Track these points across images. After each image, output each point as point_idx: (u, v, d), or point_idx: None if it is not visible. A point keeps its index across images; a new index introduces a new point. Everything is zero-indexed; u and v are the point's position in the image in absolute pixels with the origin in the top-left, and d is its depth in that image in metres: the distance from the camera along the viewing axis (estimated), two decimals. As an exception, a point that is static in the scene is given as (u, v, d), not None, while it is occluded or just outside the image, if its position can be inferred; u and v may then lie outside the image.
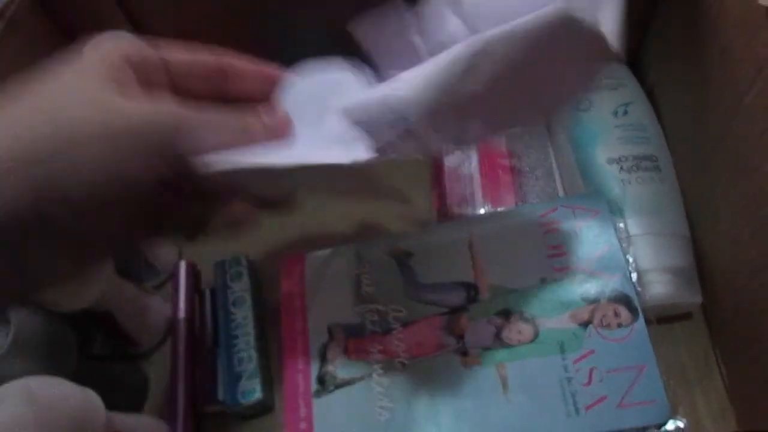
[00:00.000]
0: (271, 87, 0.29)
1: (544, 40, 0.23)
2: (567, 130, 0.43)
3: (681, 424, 0.34)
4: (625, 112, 0.41)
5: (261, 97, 0.28)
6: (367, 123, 0.25)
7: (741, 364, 0.36)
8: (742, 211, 0.32)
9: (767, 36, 0.28)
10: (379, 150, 0.25)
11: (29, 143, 0.21)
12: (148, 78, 0.25)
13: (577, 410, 0.34)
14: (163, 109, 0.23)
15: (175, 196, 0.25)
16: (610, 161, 0.40)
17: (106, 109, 0.22)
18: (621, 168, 0.39)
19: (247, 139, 0.26)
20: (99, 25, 0.41)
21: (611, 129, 0.41)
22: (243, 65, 0.27)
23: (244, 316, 0.38)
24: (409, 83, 0.23)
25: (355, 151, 0.25)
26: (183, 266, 0.41)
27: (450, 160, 0.45)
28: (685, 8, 0.36)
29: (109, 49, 0.24)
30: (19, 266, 0.23)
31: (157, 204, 0.25)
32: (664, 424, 0.34)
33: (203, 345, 0.39)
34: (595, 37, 0.24)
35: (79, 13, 0.42)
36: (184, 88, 0.26)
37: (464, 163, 0.44)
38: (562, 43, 0.24)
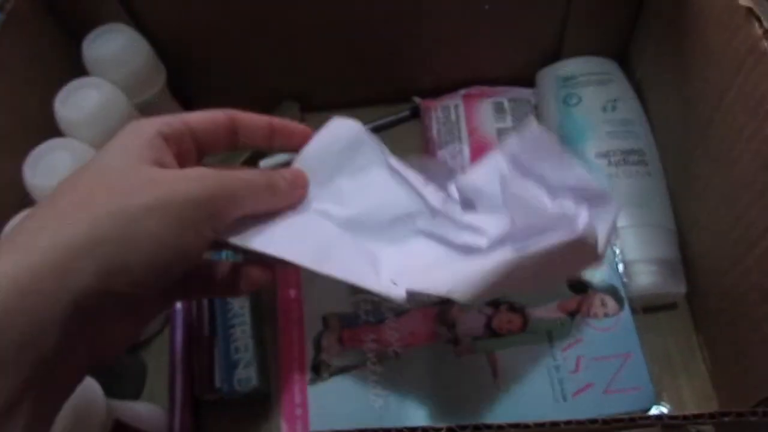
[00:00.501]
0: (275, 137, 0.31)
1: (562, 252, 0.28)
2: (557, 126, 0.44)
3: (665, 410, 0.35)
4: (614, 108, 0.42)
5: (267, 147, 0.31)
6: (416, 296, 0.28)
7: (723, 352, 0.37)
8: (722, 202, 0.33)
9: (747, 34, 0.29)
10: (410, 301, 0.28)
11: (91, 227, 0.22)
12: (180, 146, 0.27)
13: (564, 397, 0.35)
14: (207, 177, 0.25)
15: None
16: (599, 155, 0.41)
17: (155, 185, 0.24)
18: (609, 162, 0.40)
19: (275, 197, 0.29)
20: (98, 17, 0.42)
21: (600, 124, 0.42)
22: (249, 117, 0.30)
23: (240, 306, 0.39)
24: (463, 288, 0.27)
25: (390, 289, 0.28)
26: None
27: (442, 153, 0.46)
28: (671, 7, 0.37)
29: (146, 129, 0.26)
30: (90, 341, 0.24)
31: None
32: (649, 410, 0.35)
33: (201, 334, 0.39)
34: (593, 249, 0.29)
35: (79, 6, 0.42)
36: (204, 146, 0.28)
37: (456, 156, 0.45)
38: (573, 254, 0.29)
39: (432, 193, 0.32)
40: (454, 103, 0.47)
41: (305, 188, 0.31)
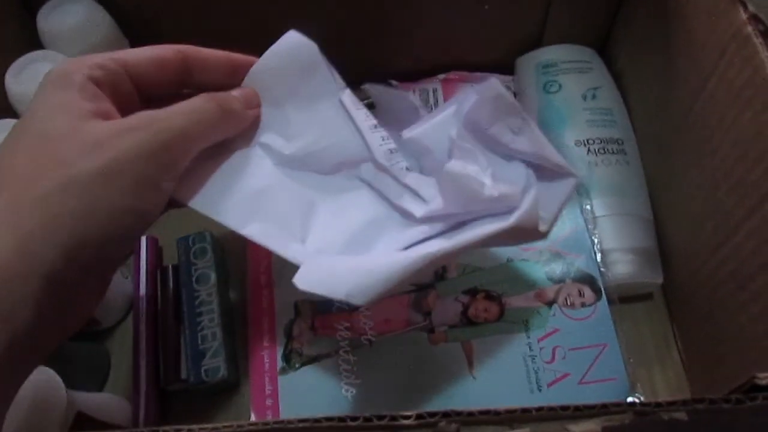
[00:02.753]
0: (237, 74, 0.28)
1: (495, 237, 0.26)
2: (537, 112, 0.43)
3: (643, 401, 0.35)
4: (594, 96, 0.42)
5: (228, 85, 0.28)
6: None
7: (698, 342, 0.37)
8: (699, 192, 0.33)
9: (730, 21, 0.28)
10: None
11: (46, 205, 0.21)
12: (117, 90, 0.24)
13: (539, 387, 0.35)
14: (154, 123, 0.23)
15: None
16: (578, 143, 0.40)
17: (101, 146, 0.22)
18: (588, 150, 0.40)
19: (230, 122, 0.27)
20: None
21: (580, 112, 0.41)
22: (205, 54, 0.27)
23: (208, 293, 0.38)
24: (362, 292, 0.24)
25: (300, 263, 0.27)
26: (144, 242, 0.40)
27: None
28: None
29: (75, 77, 0.23)
30: (62, 314, 0.23)
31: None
32: (623, 400, 0.35)
33: (166, 323, 0.38)
34: (533, 231, 0.27)
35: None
36: (147, 89, 0.26)
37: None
38: (508, 235, 0.27)
39: (379, 144, 0.30)
40: (432, 86, 0.46)
41: (259, 107, 0.29)
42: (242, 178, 0.28)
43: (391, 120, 0.31)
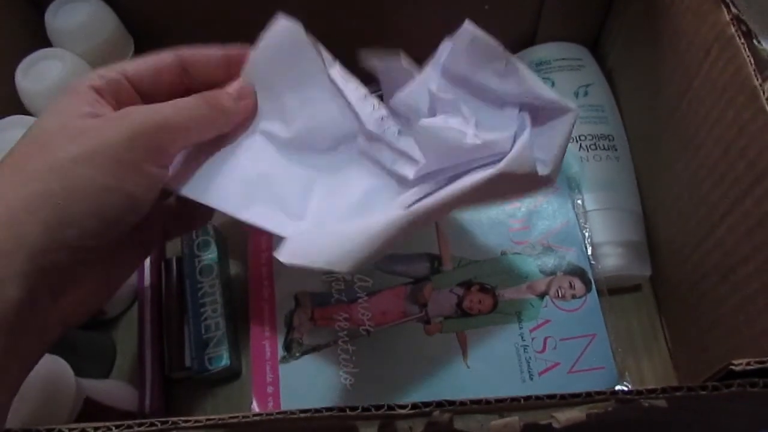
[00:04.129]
0: (233, 68, 0.29)
1: (488, 185, 0.26)
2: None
3: (626, 389, 0.36)
4: (586, 93, 0.43)
5: (227, 80, 0.29)
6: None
7: (684, 333, 0.38)
8: (685, 187, 0.34)
9: (715, 20, 0.29)
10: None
11: (31, 182, 0.22)
12: (119, 98, 0.26)
13: (531, 376, 0.36)
14: (133, 112, 0.24)
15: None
16: (570, 139, 0.41)
17: (86, 134, 0.23)
18: (580, 146, 0.41)
19: (223, 117, 0.28)
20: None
21: (572, 109, 0.42)
22: (200, 53, 0.28)
23: (211, 284, 0.39)
24: (341, 259, 0.24)
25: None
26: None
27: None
28: (644, -6, 0.38)
29: (77, 86, 0.25)
30: (56, 299, 0.24)
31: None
32: (612, 388, 0.36)
33: (170, 313, 0.39)
34: (532, 176, 0.26)
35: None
36: (149, 94, 0.27)
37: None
38: (505, 183, 0.26)
39: (370, 112, 0.29)
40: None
41: (252, 97, 0.29)
42: (242, 164, 0.29)
43: (392, 88, 0.30)
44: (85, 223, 0.23)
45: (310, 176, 0.30)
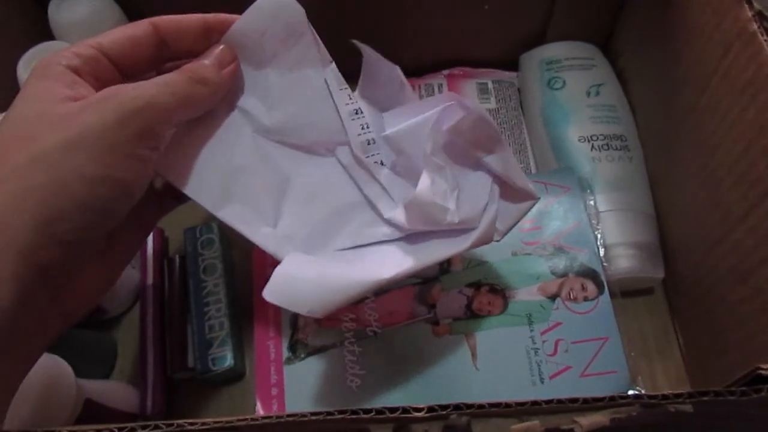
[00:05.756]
0: (212, 36, 0.27)
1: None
2: (540, 109, 0.43)
3: (650, 393, 0.35)
4: (597, 93, 0.42)
5: (206, 48, 0.27)
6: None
7: (698, 337, 0.37)
8: (702, 187, 0.34)
9: (736, 16, 0.29)
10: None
11: (15, 178, 0.21)
12: (99, 76, 0.24)
13: (542, 379, 0.35)
14: (118, 94, 0.23)
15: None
16: (582, 139, 0.41)
17: (68, 120, 0.22)
18: (592, 146, 0.40)
19: (206, 89, 0.26)
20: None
21: (584, 108, 0.42)
22: (177, 20, 0.26)
23: (215, 284, 0.38)
24: (320, 308, 0.26)
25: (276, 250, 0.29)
26: (151, 233, 0.41)
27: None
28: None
29: (53, 67, 0.23)
30: (54, 295, 0.23)
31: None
32: (625, 392, 0.35)
33: (172, 312, 0.38)
34: (488, 241, 0.29)
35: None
36: (128, 68, 0.25)
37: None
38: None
39: (357, 133, 0.29)
40: (437, 81, 0.46)
41: (234, 64, 0.27)
42: (221, 153, 0.28)
43: (375, 89, 0.31)
44: (76, 217, 0.21)
45: (286, 174, 0.30)
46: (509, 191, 0.30)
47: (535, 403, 0.20)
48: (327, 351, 0.37)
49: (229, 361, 0.36)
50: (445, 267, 0.38)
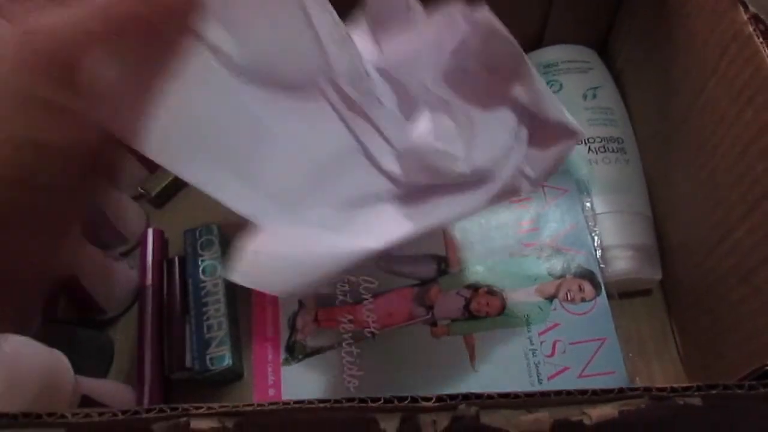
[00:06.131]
0: None
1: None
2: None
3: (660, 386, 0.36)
4: (594, 96, 0.43)
5: None
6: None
7: (696, 338, 0.37)
8: (700, 188, 0.34)
9: (732, 19, 0.29)
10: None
11: None
12: None
13: (540, 380, 0.35)
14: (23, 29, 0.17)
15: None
16: (579, 142, 0.41)
17: None
18: (589, 149, 0.41)
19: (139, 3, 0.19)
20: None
21: (581, 111, 0.42)
22: None
23: (214, 284, 0.38)
24: (294, 290, 0.23)
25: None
26: (151, 234, 0.41)
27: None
28: (655, -5, 0.38)
29: None
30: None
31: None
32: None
33: (171, 312, 0.38)
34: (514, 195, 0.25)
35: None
36: None
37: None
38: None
39: (347, 66, 0.23)
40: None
41: None
42: (182, 99, 0.21)
43: (377, 14, 0.25)
44: (5, 196, 0.17)
45: (263, 123, 0.23)
46: (540, 128, 0.24)
47: (543, 394, 0.20)
48: (325, 352, 0.37)
49: (227, 360, 0.36)
50: (442, 268, 0.38)
